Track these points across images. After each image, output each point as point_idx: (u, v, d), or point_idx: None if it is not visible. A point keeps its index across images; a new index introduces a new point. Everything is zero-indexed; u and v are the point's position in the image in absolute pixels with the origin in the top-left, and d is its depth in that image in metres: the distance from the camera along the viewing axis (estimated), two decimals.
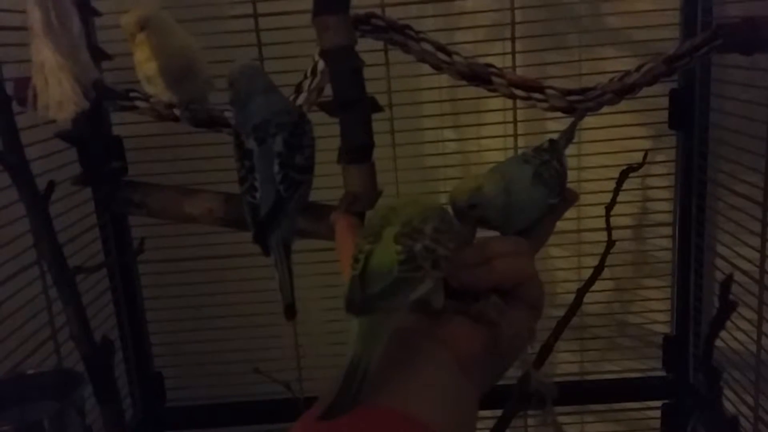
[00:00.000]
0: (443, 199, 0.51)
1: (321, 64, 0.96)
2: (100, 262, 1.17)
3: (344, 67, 0.79)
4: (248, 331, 1.28)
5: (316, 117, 0.83)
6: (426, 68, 1.01)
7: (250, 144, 0.72)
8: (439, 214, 0.47)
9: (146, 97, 1.00)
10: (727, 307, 0.96)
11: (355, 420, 0.37)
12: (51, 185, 0.88)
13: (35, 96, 0.70)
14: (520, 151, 0.65)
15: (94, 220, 1.20)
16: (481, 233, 0.57)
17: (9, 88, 0.86)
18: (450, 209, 0.52)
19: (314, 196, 0.79)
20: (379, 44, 1.05)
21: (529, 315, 0.48)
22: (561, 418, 1.34)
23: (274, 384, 1.11)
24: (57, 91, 0.68)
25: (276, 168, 0.71)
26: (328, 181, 0.85)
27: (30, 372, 0.94)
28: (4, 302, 0.95)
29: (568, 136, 0.67)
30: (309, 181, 0.75)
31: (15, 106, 0.85)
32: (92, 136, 0.95)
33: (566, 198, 0.61)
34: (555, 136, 0.67)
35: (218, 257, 1.23)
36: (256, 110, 0.73)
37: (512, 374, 1.04)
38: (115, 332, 1.25)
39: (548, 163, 0.59)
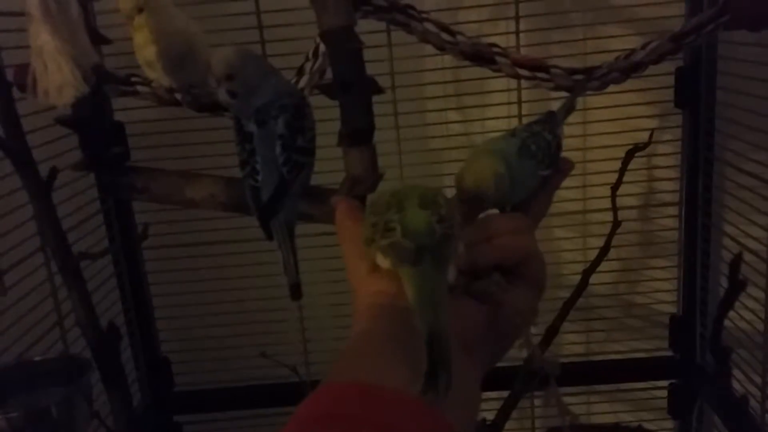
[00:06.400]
0: (448, 181, 0.51)
1: (323, 46, 0.95)
2: (105, 248, 1.17)
3: (344, 48, 0.78)
4: (254, 315, 1.28)
5: (316, 100, 0.82)
6: (429, 49, 1.00)
7: (251, 127, 0.72)
8: (442, 194, 0.47)
9: (147, 82, 0.99)
10: (737, 286, 0.95)
11: (365, 401, 0.37)
12: (53, 172, 0.88)
13: (35, 81, 0.69)
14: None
15: (98, 206, 1.20)
16: None
17: (9, 74, 0.85)
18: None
19: (315, 179, 0.79)
20: (382, 25, 1.04)
21: (531, 293, 0.48)
22: (567, 399, 1.33)
23: (281, 368, 1.12)
24: (56, 75, 0.68)
25: (278, 150, 0.71)
26: (329, 165, 0.85)
27: (37, 359, 0.95)
28: (10, 289, 0.95)
29: (568, 107, 0.66)
30: (311, 164, 0.75)
31: (16, 93, 0.85)
32: (93, 122, 0.95)
33: (560, 168, 0.59)
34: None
35: (224, 242, 1.23)
36: (262, 93, 0.73)
37: (519, 356, 1.05)
38: (121, 318, 1.25)
39: (537, 135, 0.58)
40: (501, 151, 0.56)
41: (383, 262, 0.44)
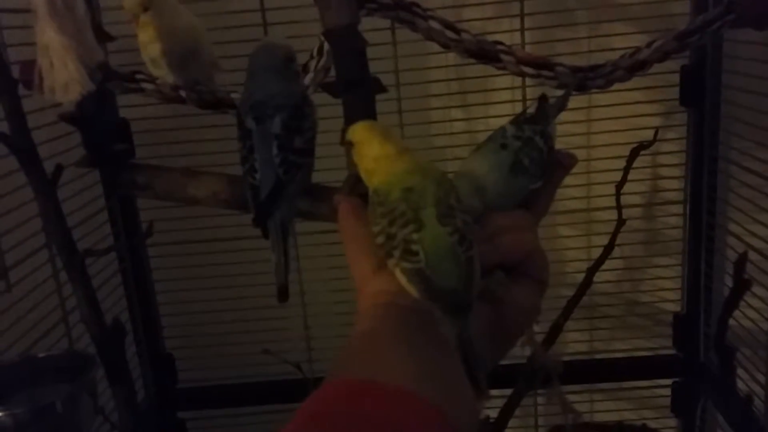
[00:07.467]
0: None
1: (327, 44, 0.95)
2: (110, 245, 1.17)
3: (347, 46, 0.78)
4: (258, 312, 1.28)
5: (319, 97, 0.82)
6: (433, 47, 1.00)
7: (249, 123, 0.71)
8: (450, 182, 0.47)
9: (152, 79, 0.99)
10: (741, 285, 0.95)
11: (368, 398, 0.37)
12: (59, 168, 0.88)
13: (41, 78, 0.69)
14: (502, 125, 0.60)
15: (103, 203, 1.20)
16: None
17: (15, 71, 0.86)
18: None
19: (318, 177, 0.79)
20: (386, 23, 1.04)
21: (534, 290, 0.48)
22: (570, 397, 1.33)
23: (285, 365, 1.12)
24: (62, 73, 0.68)
25: (275, 150, 0.70)
26: (332, 163, 0.84)
27: (41, 355, 0.95)
28: (14, 285, 0.95)
29: (560, 105, 0.63)
30: (310, 165, 0.74)
31: (21, 90, 0.85)
32: (96, 118, 0.95)
33: (563, 164, 0.57)
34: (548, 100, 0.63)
35: (228, 239, 1.24)
36: (256, 89, 0.72)
37: (522, 354, 1.05)
38: (125, 315, 1.25)
39: (530, 144, 0.55)
40: (479, 169, 0.54)
41: (406, 285, 0.44)
